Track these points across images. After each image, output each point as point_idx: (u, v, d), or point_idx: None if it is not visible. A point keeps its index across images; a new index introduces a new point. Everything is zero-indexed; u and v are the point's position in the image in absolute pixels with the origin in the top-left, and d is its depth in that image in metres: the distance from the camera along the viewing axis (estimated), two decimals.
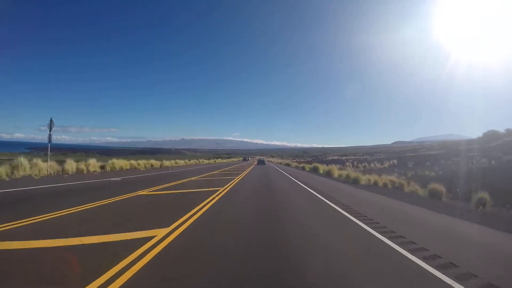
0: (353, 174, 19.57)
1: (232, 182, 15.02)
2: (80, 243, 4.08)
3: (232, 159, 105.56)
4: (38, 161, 15.07)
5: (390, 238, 5.08)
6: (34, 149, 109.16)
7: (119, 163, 19.83)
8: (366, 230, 5.75)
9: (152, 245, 4.05)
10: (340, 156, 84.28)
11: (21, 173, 13.40)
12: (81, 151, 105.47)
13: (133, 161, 22.01)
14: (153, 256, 3.66)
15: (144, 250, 3.85)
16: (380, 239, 5.09)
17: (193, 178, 16.90)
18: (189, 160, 37.39)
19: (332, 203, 9.19)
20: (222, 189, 11.59)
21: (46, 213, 5.93)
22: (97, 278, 2.93)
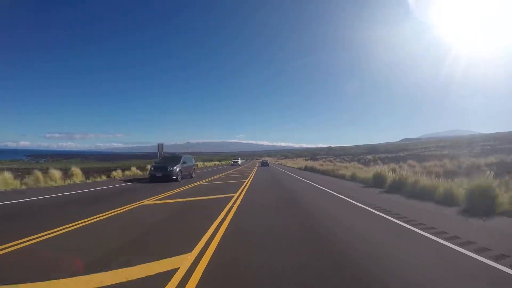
0: None
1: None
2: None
3: (227, 161, 77.53)
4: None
5: None
6: (32, 157, 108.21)
7: None
8: None
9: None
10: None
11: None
12: (83, 157, 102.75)
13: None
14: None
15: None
16: None
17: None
18: None
19: None
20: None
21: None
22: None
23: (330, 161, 51.62)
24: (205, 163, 54.29)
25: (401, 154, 51.60)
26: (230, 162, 64.83)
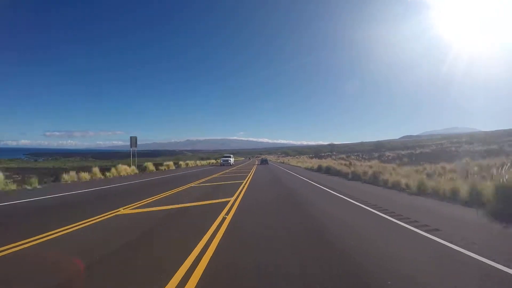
0: None
1: None
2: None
3: (211, 160, 61.53)
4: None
5: None
6: (31, 155, 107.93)
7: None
8: None
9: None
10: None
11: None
12: (82, 155, 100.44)
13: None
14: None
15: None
16: None
17: None
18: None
19: None
20: None
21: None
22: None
23: (343, 159, 46.70)
24: (198, 162, 48.28)
25: (426, 151, 46.89)
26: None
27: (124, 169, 20.71)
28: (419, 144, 75.04)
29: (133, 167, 22.51)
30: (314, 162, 40.06)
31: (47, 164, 43.67)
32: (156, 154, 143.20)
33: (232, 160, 44.54)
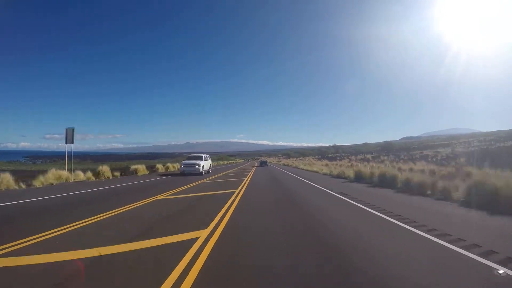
0: None
1: None
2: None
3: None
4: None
5: None
6: (30, 158, 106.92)
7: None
8: None
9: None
10: None
11: None
12: (82, 158, 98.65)
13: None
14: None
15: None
16: None
17: None
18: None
19: None
20: None
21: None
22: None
23: (366, 160, 38.75)
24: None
25: (461, 150, 39.86)
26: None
27: (55, 176, 13.95)
28: (431, 145, 72.17)
29: (79, 173, 16.32)
30: (330, 165, 32.11)
31: (43, 167, 40.75)
32: (155, 157, 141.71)
33: (205, 164, 22.87)
